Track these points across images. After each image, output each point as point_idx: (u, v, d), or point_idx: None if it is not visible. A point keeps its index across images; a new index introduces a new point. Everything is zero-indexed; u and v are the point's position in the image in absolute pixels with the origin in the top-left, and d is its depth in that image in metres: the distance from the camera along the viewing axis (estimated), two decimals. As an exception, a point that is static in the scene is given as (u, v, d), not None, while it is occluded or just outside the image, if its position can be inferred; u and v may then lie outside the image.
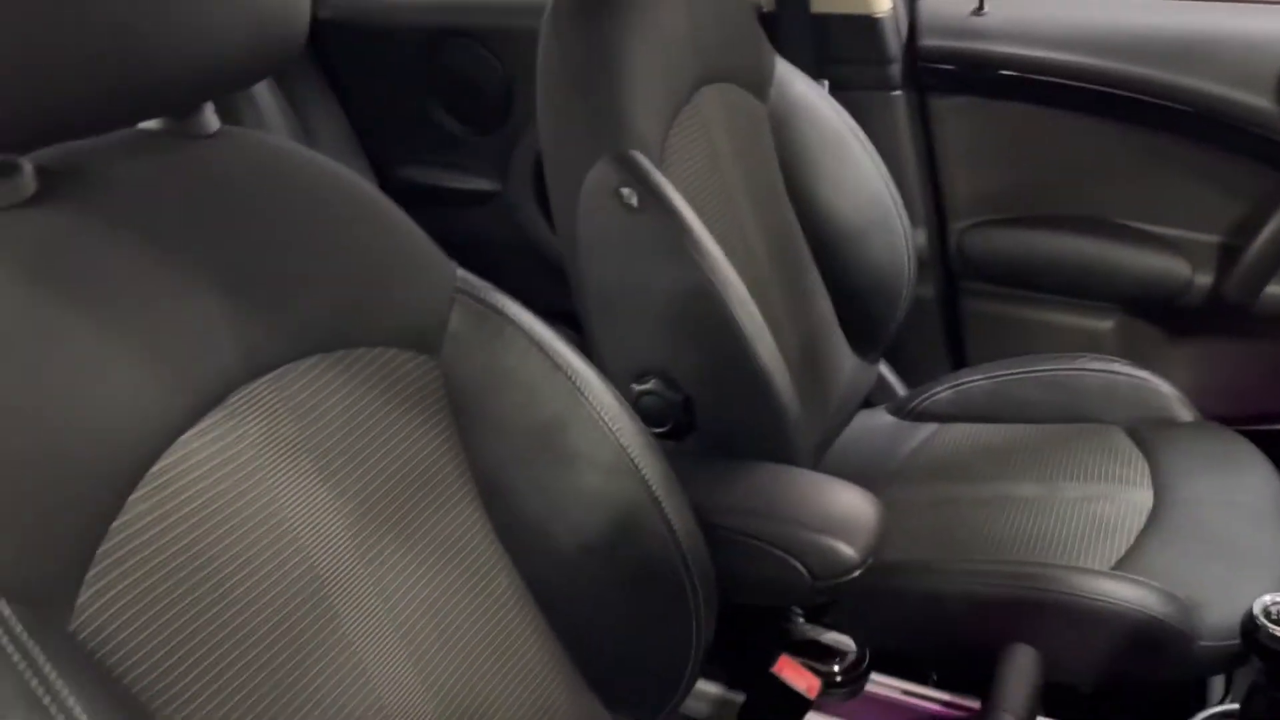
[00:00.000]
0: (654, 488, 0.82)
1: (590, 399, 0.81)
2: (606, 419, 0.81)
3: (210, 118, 0.68)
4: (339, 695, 0.68)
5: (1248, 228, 1.30)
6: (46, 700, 0.50)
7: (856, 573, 0.89)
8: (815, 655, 1.05)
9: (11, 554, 0.53)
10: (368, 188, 0.77)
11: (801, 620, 1.06)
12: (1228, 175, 1.31)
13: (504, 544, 0.80)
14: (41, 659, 0.51)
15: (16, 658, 0.50)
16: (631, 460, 0.82)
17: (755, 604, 0.95)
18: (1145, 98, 1.28)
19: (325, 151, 0.83)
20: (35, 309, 0.57)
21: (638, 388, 1.05)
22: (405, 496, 0.75)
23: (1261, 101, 1.22)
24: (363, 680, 0.69)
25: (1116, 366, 1.32)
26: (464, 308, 0.79)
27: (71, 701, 0.51)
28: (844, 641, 1.04)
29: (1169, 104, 1.27)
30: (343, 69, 1.76)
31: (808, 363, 1.27)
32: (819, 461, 1.30)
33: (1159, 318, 1.41)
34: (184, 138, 0.67)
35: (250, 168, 0.70)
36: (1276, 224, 1.28)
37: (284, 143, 0.75)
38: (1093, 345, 1.42)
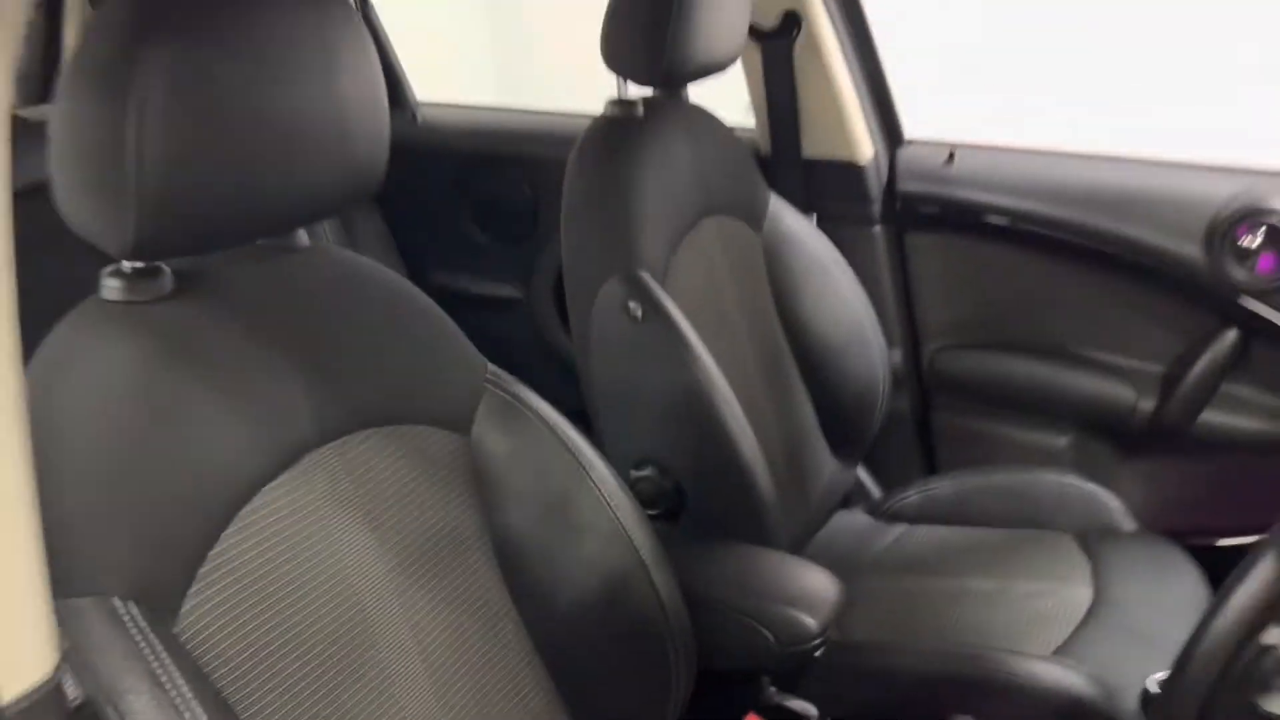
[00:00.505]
0: (644, 557, 0.96)
1: (594, 478, 0.97)
2: (607, 496, 0.96)
3: (302, 235, 0.86)
4: (373, 710, 0.81)
5: (1185, 360, 1.46)
6: (165, 681, 0.64)
7: (817, 641, 1.03)
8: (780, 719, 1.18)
9: (136, 567, 0.68)
10: (419, 294, 0.94)
11: (771, 689, 1.19)
12: (1167, 313, 1.48)
13: (513, 596, 0.94)
14: (160, 649, 0.66)
15: (143, 646, 0.65)
16: (626, 533, 0.96)
17: (729, 668, 1.08)
18: (1092, 244, 1.46)
19: (364, 254, 0.99)
20: (167, 378, 0.73)
21: (636, 474, 1.21)
22: (434, 550, 0.89)
23: (1191, 251, 1.40)
24: (392, 699, 0.83)
25: (1068, 479, 1.47)
26: (491, 396, 0.95)
27: (183, 684, 0.65)
28: (807, 709, 1.16)
29: (1113, 250, 1.45)
30: (385, 182, 1.96)
31: (791, 462, 1.42)
32: (799, 553, 1.44)
33: (1108, 437, 1.56)
34: (282, 251, 0.85)
35: (329, 277, 0.87)
36: (1209, 357, 1.44)
37: (354, 256, 0.93)
38: (1050, 459, 1.57)
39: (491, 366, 0.97)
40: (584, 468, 0.96)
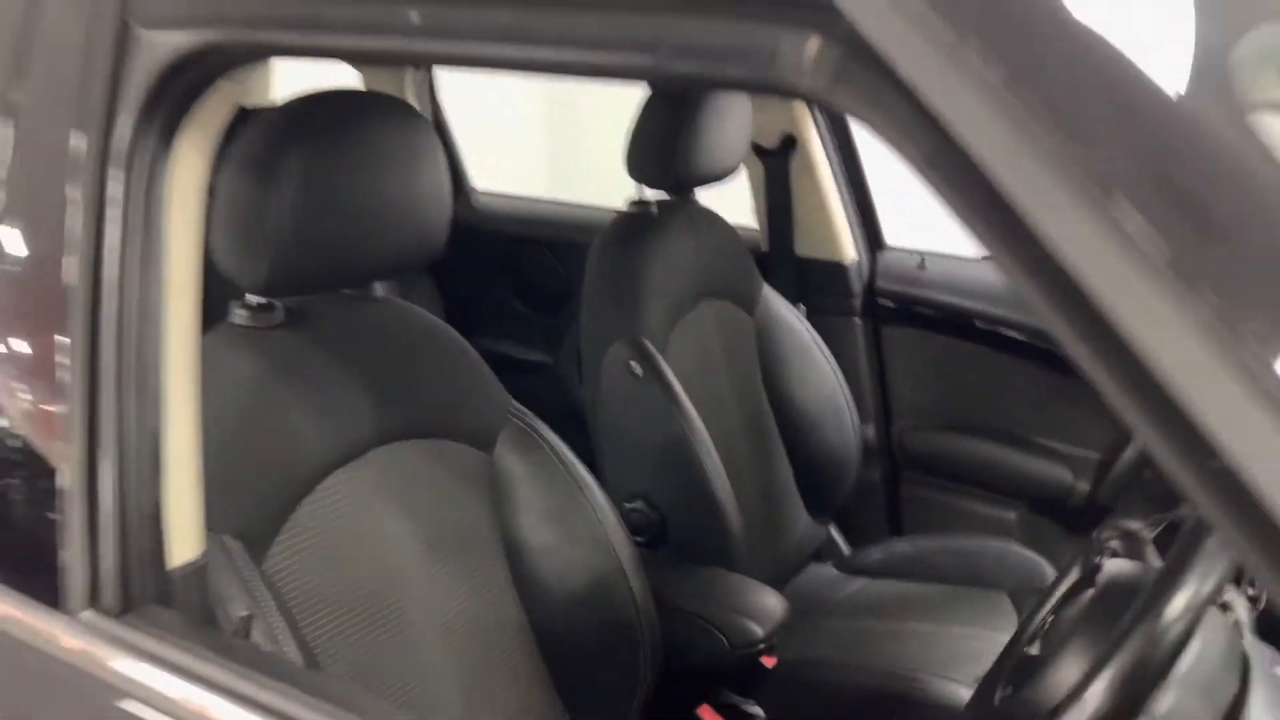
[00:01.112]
0: (625, 565, 1.20)
1: (588, 498, 1.21)
2: (598, 513, 1.21)
3: (379, 288, 1.14)
4: (398, 661, 1.06)
5: (1116, 447, 1.68)
6: (260, 599, 0.90)
7: (762, 645, 1.26)
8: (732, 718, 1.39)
9: (241, 516, 0.93)
10: (460, 339, 1.21)
11: (728, 693, 1.40)
12: (1101, 406, 1.70)
13: (515, 587, 1.18)
14: (254, 575, 0.91)
15: (245, 572, 0.90)
16: (611, 544, 1.20)
17: (689, 666, 1.30)
18: (1037, 342, 1.70)
19: None
20: (274, 386, 1.00)
21: (628, 505, 1.46)
22: (457, 540, 1.14)
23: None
24: (414, 655, 1.07)
25: (1011, 547, 1.69)
26: (512, 425, 1.21)
27: (271, 606, 0.90)
28: (757, 712, 1.38)
29: (1054, 348, 1.69)
30: (443, 256, 2.26)
31: (768, 514, 1.65)
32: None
33: (1050, 513, 1.78)
34: (362, 298, 1.12)
35: (395, 321, 1.15)
36: (1136, 447, 1.66)
37: (414, 308, 1.20)
38: (1001, 528, 1.79)
39: (514, 402, 1.23)
40: (581, 489, 1.21)
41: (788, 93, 0.52)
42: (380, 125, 1.00)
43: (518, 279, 2.23)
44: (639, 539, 1.44)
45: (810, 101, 1.55)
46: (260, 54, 0.76)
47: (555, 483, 1.21)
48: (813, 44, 0.50)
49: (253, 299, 1.01)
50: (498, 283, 2.24)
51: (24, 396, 0.78)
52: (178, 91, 0.73)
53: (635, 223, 1.54)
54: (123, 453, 0.73)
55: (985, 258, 0.51)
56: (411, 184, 1.01)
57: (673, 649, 1.24)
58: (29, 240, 0.78)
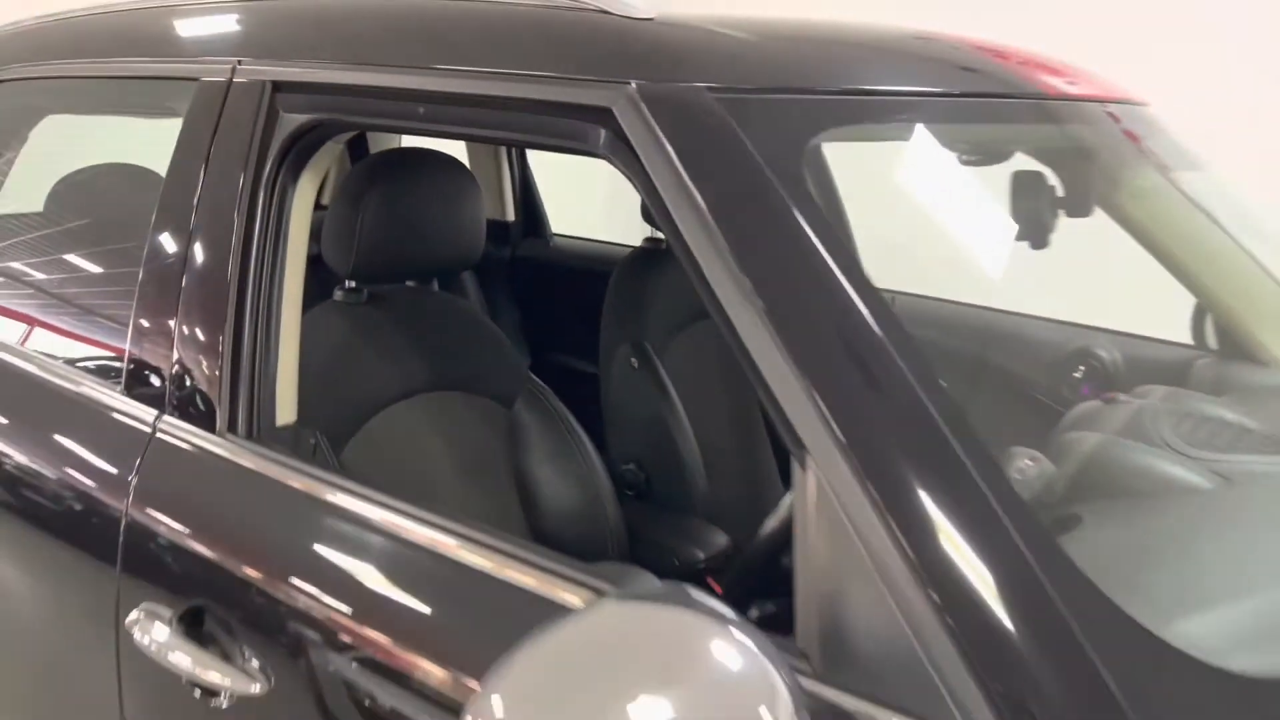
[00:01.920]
0: (604, 498, 1.65)
1: (580, 448, 1.67)
2: (587, 460, 1.67)
3: (435, 285, 1.64)
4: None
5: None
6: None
7: (703, 564, 1.68)
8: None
9: (327, 421, 1.43)
10: (492, 325, 1.70)
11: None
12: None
13: (520, 506, 1.65)
14: (333, 461, 1.40)
15: (326, 458, 1.40)
16: (596, 483, 1.66)
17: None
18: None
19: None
20: (357, 341, 1.50)
21: (624, 466, 1.91)
22: (477, 467, 1.62)
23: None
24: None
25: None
26: (528, 391, 1.68)
27: (346, 481, 1.39)
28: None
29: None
30: (521, 283, 2.78)
31: (747, 487, 2.06)
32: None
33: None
34: (423, 291, 1.63)
35: (447, 307, 1.65)
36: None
37: (462, 300, 1.70)
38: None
39: (532, 376, 1.71)
40: (576, 442, 1.67)
41: (590, 155, 0.98)
42: (433, 173, 1.51)
43: (581, 305, 2.73)
44: (630, 492, 1.90)
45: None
46: (350, 129, 1.27)
47: (557, 434, 1.67)
48: (603, 133, 0.97)
49: (348, 285, 1.53)
50: (568, 308, 2.74)
51: (206, 330, 1.29)
52: (302, 149, 1.25)
53: (646, 256, 2.01)
54: (255, 360, 1.23)
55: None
56: (453, 213, 1.51)
57: (636, 562, 1.68)
58: (207, 255, 1.29)
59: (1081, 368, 1.89)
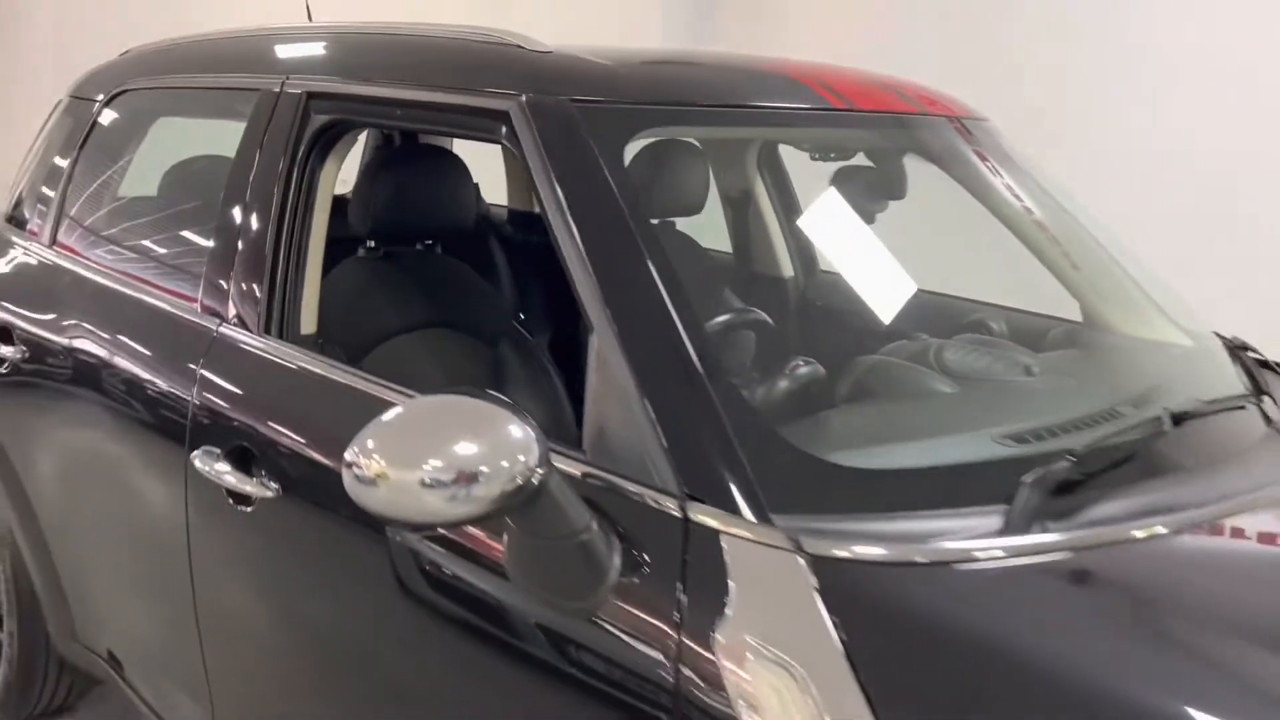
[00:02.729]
0: (565, 421, 2.13)
1: (550, 384, 2.16)
2: (555, 392, 2.15)
3: (439, 249, 2.15)
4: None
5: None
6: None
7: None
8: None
9: (345, 343, 1.94)
10: (482, 281, 2.19)
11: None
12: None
13: None
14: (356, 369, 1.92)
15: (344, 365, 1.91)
16: (560, 411, 2.14)
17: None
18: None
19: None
20: (375, 284, 2.02)
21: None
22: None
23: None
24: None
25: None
26: (510, 335, 2.17)
27: (338, 368, 1.90)
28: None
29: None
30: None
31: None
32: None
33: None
34: (428, 252, 2.14)
35: (447, 265, 2.16)
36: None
37: (457, 261, 2.20)
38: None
39: (515, 325, 2.20)
40: (549, 380, 2.16)
41: (497, 144, 1.47)
42: (428, 160, 2.02)
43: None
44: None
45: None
46: (357, 127, 1.78)
47: (532, 370, 2.16)
48: (504, 128, 1.45)
49: (369, 245, 2.04)
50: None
51: (254, 267, 1.81)
52: (326, 141, 1.76)
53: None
54: (287, 288, 1.74)
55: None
56: (442, 189, 2.01)
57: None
58: (258, 216, 1.81)
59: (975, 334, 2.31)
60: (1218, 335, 1.83)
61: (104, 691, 2.56)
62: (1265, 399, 1.61)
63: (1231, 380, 1.63)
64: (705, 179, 2.13)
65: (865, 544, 1.08)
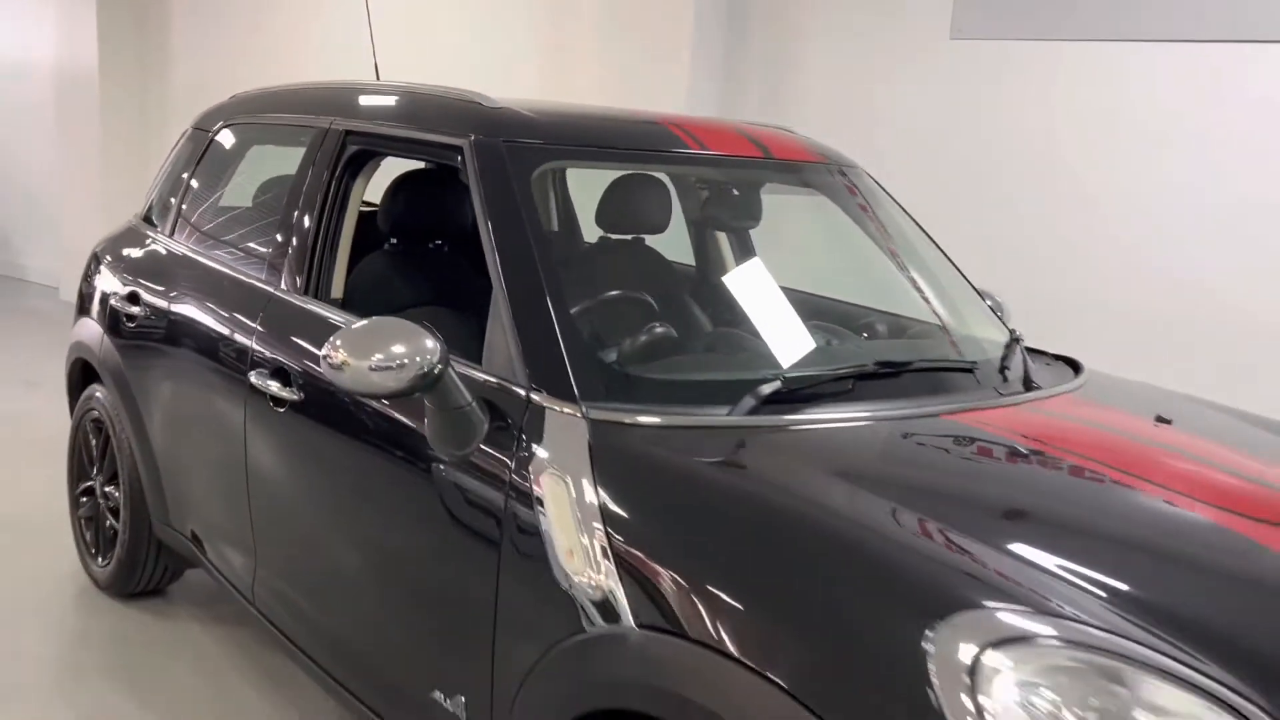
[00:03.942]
0: None
1: None
2: None
3: (445, 248, 2.90)
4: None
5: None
6: None
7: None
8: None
9: (361, 307, 2.69)
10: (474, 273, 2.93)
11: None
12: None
13: None
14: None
15: None
16: None
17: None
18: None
19: None
20: (391, 272, 2.77)
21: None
22: (460, 350, 2.85)
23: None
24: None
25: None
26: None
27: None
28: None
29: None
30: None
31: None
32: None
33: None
34: (439, 249, 2.89)
35: (450, 258, 2.90)
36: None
37: (459, 258, 2.94)
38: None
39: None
40: None
41: (455, 170, 2.19)
42: (430, 180, 2.75)
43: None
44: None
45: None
46: (378, 155, 2.53)
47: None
48: (459, 158, 2.17)
49: (392, 241, 2.79)
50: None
51: (302, 252, 2.57)
52: (357, 166, 2.52)
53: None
54: (323, 267, 2.48)
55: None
56: (449, 203, 2.75)
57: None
58: (309, 217, 2.57)
59: (865, 333, 2.94)
60: (1010, 330, 2.45)
61: (187, 580, 3.36)
62: (1006, 370, 2.22)
63: (979, 354, 2.25)
64: (667, 205, 2.77)
65: (622, 415, 1.75)
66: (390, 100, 2.52)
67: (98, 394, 3.26)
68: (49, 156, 8.34)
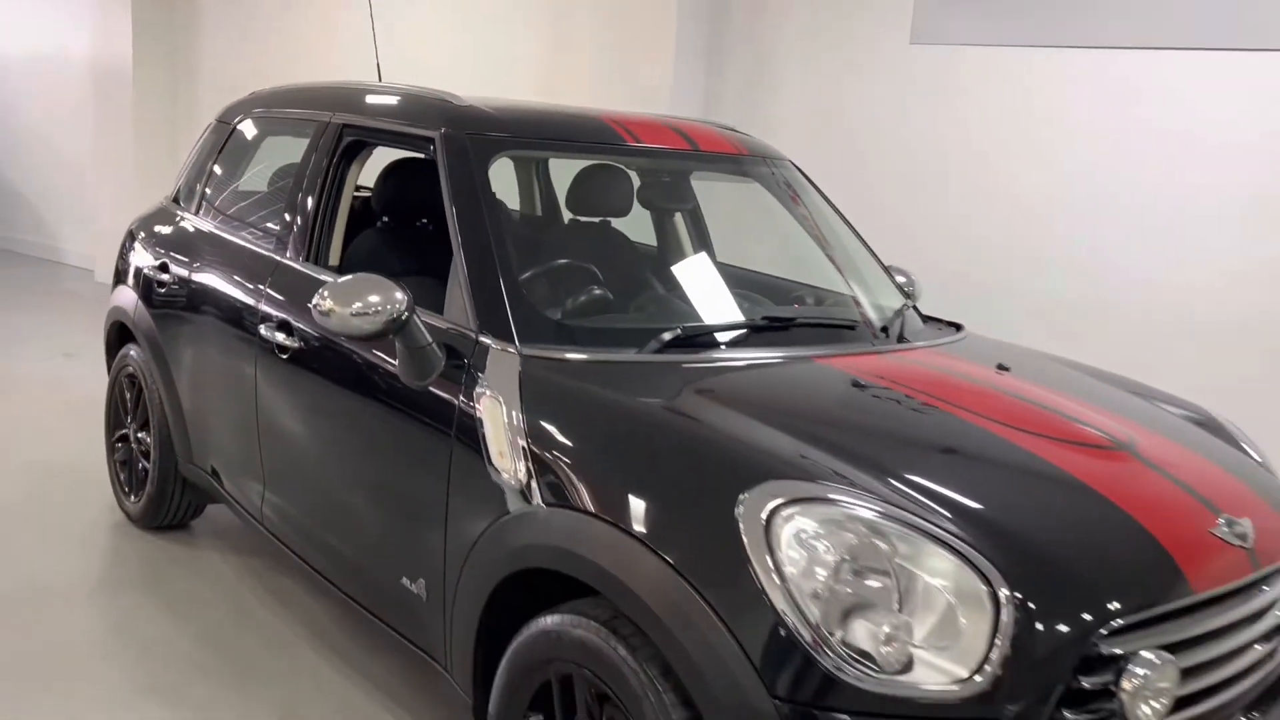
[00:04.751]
0: None
1: None
2: None
3: (429, 225, 3.36)
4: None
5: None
6: None
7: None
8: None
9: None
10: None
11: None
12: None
13: None
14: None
15: None
16: None
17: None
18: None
19: None
20: (382, 247, 3.23)
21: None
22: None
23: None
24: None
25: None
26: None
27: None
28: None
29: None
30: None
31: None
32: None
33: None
34: (421, 226, 3.34)
35: (433, 233, 3.36)
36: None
37: (443, 232, 3.41)
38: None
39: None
40: None
41: (429, 157, 2.64)
42: (414, 167, 3.21)
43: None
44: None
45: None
46: (368, 146, 2.98)
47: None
48: (431, 147, 2.63)
49: (384, 219, 3.25)
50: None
51: (304, 225, 3.04)
52: (352, 154, 2.98)
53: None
54: (321, 237, 2.94)
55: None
56: (423, 184, 3.20)
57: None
58: (309, 199, 3.03)
59: (796, 305, 3.38)
60: (906, 299, 2.89)
61: (207, 515, 3.85)
62: (888, 329, 2.66)
63: (872, 317, 2.69)
64: (628, 194, 3.21)
65: (549, 352, 2.20)
66: (378, 98, 2.98)
67: (132, 353, 3.75)
68: (86, 146, 8.88)
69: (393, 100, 2.91)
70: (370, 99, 3.01)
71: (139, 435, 3.75)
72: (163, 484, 3.62)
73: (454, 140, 2.57)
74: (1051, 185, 4.80)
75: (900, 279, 3.23)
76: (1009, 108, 4.92)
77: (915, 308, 2.97)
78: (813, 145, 5.51)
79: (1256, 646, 1.84)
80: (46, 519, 3.84)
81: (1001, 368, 2.46)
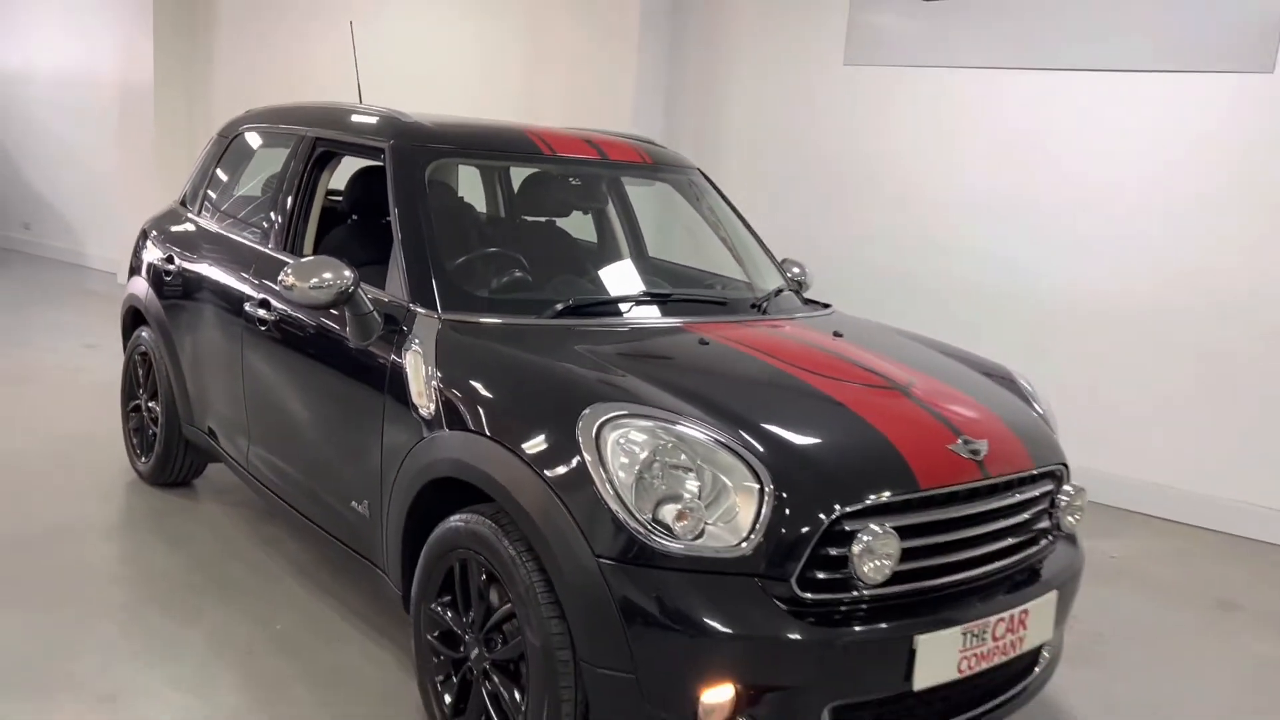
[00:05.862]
0: None
1: None
2: None
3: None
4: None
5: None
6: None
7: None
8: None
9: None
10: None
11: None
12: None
13: None
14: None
15: None
16: None
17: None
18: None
19: None
20: (352, 241, 3.83)
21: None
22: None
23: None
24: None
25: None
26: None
27: None
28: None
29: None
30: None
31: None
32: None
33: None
34: (384, 223, 3.95)
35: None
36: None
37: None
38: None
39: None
40: None
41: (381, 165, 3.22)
42: (377, 172, 3.80)
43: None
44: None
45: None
46: (335, 156, 3.58)
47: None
48: (383, 156, 3.22)
49: (353, 217, 3.85)
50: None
51: (284, 222, 3.63)
52: (323, 164, 3.57)
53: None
54: (298, 231, 3.53)
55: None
56: (383, 186, 3.80)
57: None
58: (288, 199, 3.61)
59: (695, 287, 3.94)
60: (786, 282, 3.47)
61: (207, 475, 4.45)
62: (758, 306, 3.23)
63: (747, 295, 3.26)
64: (566, 198, 3.79)
65: (463, 317, 2.78)
66: (344, 116, 3.58)
67: (144, 334, 4.36)
68: (110, 157, 9.57)
69: (355, 117, 3.50)
70: (337, 116, 3.60)
71: (149, 404, 4.36)
72: (168, 445, 4.22)
73: (400, 150, 3.16)
74: (962, 192, 5.37)
75: (795, 270, 3.80)
76: (930, 123, 5.49)
77: (796, 291, 3.54)
78: (757, 157, 6.11)
79: (987, 544, 2.39)
80: (69, 478, 4.46)
81: (837, 334, 3.02)
